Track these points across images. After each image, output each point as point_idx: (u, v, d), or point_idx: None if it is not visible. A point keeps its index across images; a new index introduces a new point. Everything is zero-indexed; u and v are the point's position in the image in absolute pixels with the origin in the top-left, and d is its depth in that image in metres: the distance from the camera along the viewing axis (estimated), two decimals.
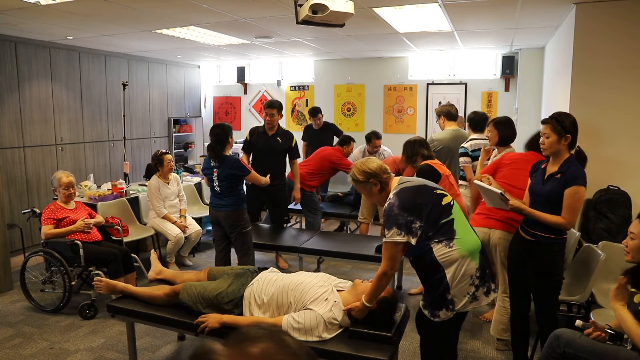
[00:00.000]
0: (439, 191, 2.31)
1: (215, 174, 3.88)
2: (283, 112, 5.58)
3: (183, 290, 2.76)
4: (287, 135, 4.82)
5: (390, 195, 2.25)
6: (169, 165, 4.98)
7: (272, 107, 4.68)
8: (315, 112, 6.15)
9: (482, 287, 2.25)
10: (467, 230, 2.28)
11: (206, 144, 8.35)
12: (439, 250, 2.18)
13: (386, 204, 2.24)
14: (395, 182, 2.33)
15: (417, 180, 2.37)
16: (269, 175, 4.11)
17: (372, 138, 5.69)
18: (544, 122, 2.62)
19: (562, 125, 2.54)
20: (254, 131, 4.83)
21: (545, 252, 2.64)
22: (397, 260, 2.23)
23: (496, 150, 3.74)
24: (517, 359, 3.00)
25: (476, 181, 2.94)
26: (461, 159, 4.13)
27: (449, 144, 4.51)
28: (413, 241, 2.18)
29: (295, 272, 2.81)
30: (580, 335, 2.20)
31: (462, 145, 4.17)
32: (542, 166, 2.73)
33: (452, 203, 2.29)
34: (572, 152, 2.65)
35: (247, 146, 4.84)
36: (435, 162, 3.66)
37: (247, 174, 3.87)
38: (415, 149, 3.73)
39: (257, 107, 8.62)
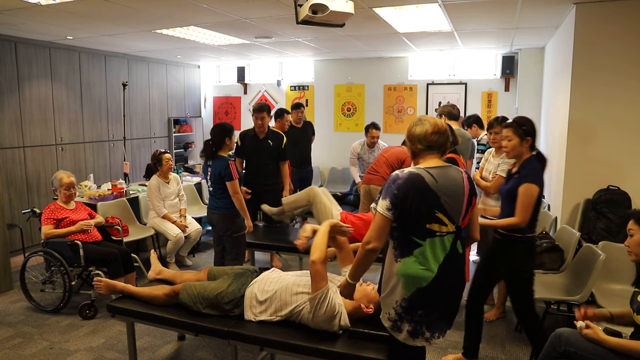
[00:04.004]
0: (440, 215, 1.98)
1: (209, 173, 3.83)
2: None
3: (183, 290, 2.76)
4: (278, 137, 4.81)
5: (407, 169, 2.01)
6: (168, 164, 4.98)
7: (262, 110, 4.63)
8: (298, 105, 5.99)
9: (408, 324, 2.03)
10: (429, 263, 1.98)
11: None
12: (390, 253, 2.06)
13: (395, 172, 2.02)
14: (430, 163, 2.04)
15: (442, 185, 1.99)
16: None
17: (370, 128, 5.75)
18: (505, 126, 2.83)
19: (523, 128, 2.73)
20: (244, 135, 4.80)
21: (513, 250, 2.80)
22: (382, 233, 2.00)
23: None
24: (468, 344, 3.06)
25: None
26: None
27: None
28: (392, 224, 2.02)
29: (297, 272, 2.81)
30: (580, 333, 2.21)
31: (481, 143, 4.74)
32: (510, 167, 2.93)
33: (439, 234, 1.99)
34: (534, 153, 2.80)
35: (240, 151, 4.80)
36: (460, 159, 3.50)
37: (230, 180, 3.66)
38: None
39: None
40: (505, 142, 2.78)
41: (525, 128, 2.72)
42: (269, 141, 4.73)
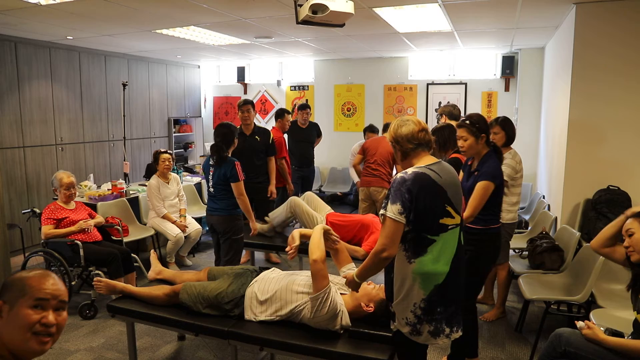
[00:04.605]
0: (449, 208, 2.01)
1: (211, 174, 3.78)
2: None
3: (183, 291, 2.76)
4: (265, 133, 4.85)
5: (411, 169, 2.00)
6: (164, 164, 4.98)
7: (246, 103, 4.74)
8: (304, 106, 6.06)
9: (428, 324, 2.01)
10: (443, 258, 2.00)
11: (206, 144, 8.34)
12: (400, 256, 2.01)
13: (399, 174, 1.99)
14: (428, 161, 2.04)
15: (446, 179, 2.02)
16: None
17: (367, 131, 5.87)
18: (459, 126, 2.84)
19: (477, 126, 2.77)
20: None
21: (477, 241, 2.82)
22: (396, 239, 1.94)
23: None
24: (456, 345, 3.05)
25: None
26: None
27: None
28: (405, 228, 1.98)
29: (297, 271, 2.81)
30: (580, 333, 2.21)
31: None
32: (469, 163, 2.94)
33: (450, 227, 2.01)
34: (490, 148, 2.85)
35: None
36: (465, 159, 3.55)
37: (236, 181, 3.63)
38: (450, 136, 3.37)
39: (257, 107, 8.61)
40: (460, 142, 2.83)
41: (478, 126, 2.77)
42: (256, 137, 4.78)
